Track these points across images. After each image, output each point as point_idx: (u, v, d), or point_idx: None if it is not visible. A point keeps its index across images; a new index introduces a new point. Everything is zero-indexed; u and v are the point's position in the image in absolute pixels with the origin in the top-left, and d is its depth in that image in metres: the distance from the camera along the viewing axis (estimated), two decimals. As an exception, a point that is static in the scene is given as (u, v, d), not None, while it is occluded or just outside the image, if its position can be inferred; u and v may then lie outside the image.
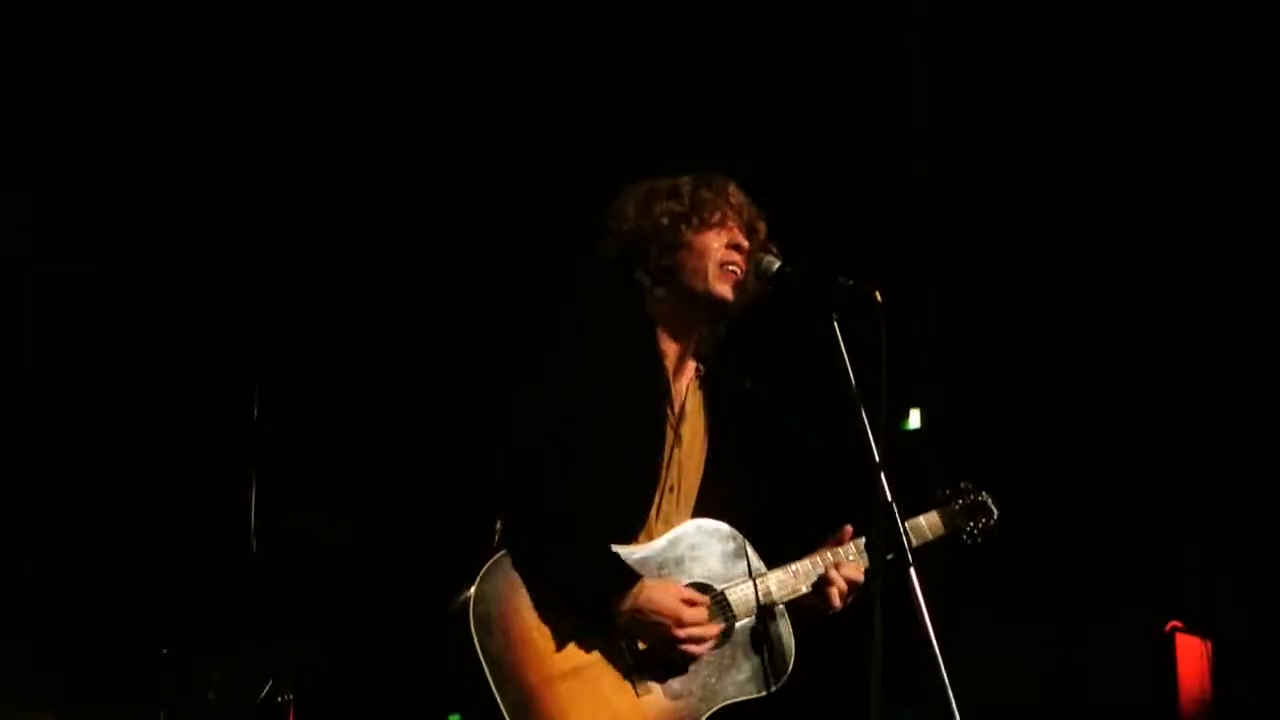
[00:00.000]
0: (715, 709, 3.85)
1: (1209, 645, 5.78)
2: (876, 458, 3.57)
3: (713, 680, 3.85)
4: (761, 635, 3.93)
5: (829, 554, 4.02)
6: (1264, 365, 6.28)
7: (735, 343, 4.21)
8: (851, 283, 3.69)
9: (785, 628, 3.97)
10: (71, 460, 6.23)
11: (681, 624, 3.77)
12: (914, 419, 6.71)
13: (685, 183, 4.04)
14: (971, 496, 4.24)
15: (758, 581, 3.94)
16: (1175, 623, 5.78)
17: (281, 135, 6.52)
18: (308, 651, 5.78)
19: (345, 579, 6.09)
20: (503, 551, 3.75)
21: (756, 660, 3.91)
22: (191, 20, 6.35)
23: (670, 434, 4.03)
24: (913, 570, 3.52)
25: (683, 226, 3.98)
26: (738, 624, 3.91)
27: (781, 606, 3.96)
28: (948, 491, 4.25)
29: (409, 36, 6.63)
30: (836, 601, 3.98)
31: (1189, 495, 6.29)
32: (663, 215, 3.99)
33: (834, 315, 3.68)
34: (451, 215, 6.67)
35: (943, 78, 6.84)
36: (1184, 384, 6.41)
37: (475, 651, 3.62)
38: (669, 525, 3.98)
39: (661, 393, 4.01)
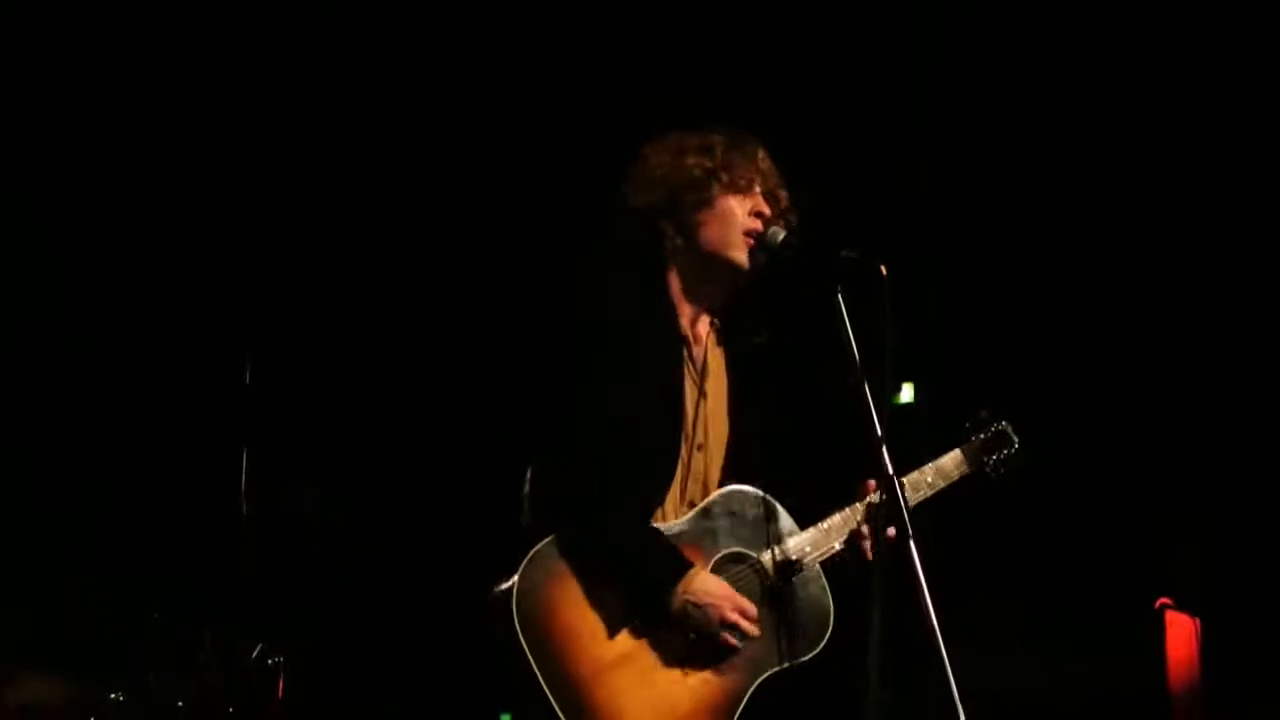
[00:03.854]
0: (762, 678, 3.85)
1: (1198, 622, 5.81)
2: (879, 432, 3.58)
3: (757, 651, 3.85)
4: (799, 598, 3.92)
5: (858, 507, 4.00)
6: (1255, 347, 6.30)
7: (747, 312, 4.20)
8: (856, 255, 3.70)
9: (820, 588, 3.96)
10: (67, 428, 6.23)
11: (737, 609, 3.79)
12: (907, 393, 6.70)
13: (717, 141, 4.02)
14: (992, 428, 4.23)
15: (791, 544, 3.93)
16: (1164, 600, 5.80)
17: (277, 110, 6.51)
18: (298, 615, 5.79)
19: (338, 546, 6.10)
20: (543, 542, 3.72)
21: (798, 625, 3.90)
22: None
23: (694, 389, 4.02)
24: (913, 543, 3.53)
25: (711, 183, 3.97)
26: (775, 590, 3.91)
27: (817, 567, 3.96)
28: (966, 426, 4.25)
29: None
30: (868, 553, 3.96)
31: (1178, 474, 6.30)
32: (693, 167, 3.97)
33: (838, 288, 3.69)
34: (452, 187, 6.65)
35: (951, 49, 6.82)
36: (1177, 364, 6.41)
37: (523, 648, 3.61)
38: (699, 484, 3.98)
39: (679, 345, 4.00)
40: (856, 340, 3.65)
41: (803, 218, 4.05)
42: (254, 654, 5.53)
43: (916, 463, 4.13)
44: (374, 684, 6.20)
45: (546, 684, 3.60)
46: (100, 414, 6.30)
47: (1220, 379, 6.31)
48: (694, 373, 4.04)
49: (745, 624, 3.78)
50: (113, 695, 5.35)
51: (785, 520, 3.98)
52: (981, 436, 4.23)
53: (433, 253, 6.60)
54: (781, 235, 3.94)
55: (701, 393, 4.03)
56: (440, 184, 6.62)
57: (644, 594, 3.75)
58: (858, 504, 4.01)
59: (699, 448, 4.00)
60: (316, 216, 6.59)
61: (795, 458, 4.11)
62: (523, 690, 3.63)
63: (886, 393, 3.58)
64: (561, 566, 3.71)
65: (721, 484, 4.00)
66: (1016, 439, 4.25)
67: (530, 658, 3.61)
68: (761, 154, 4.05)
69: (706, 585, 3.77)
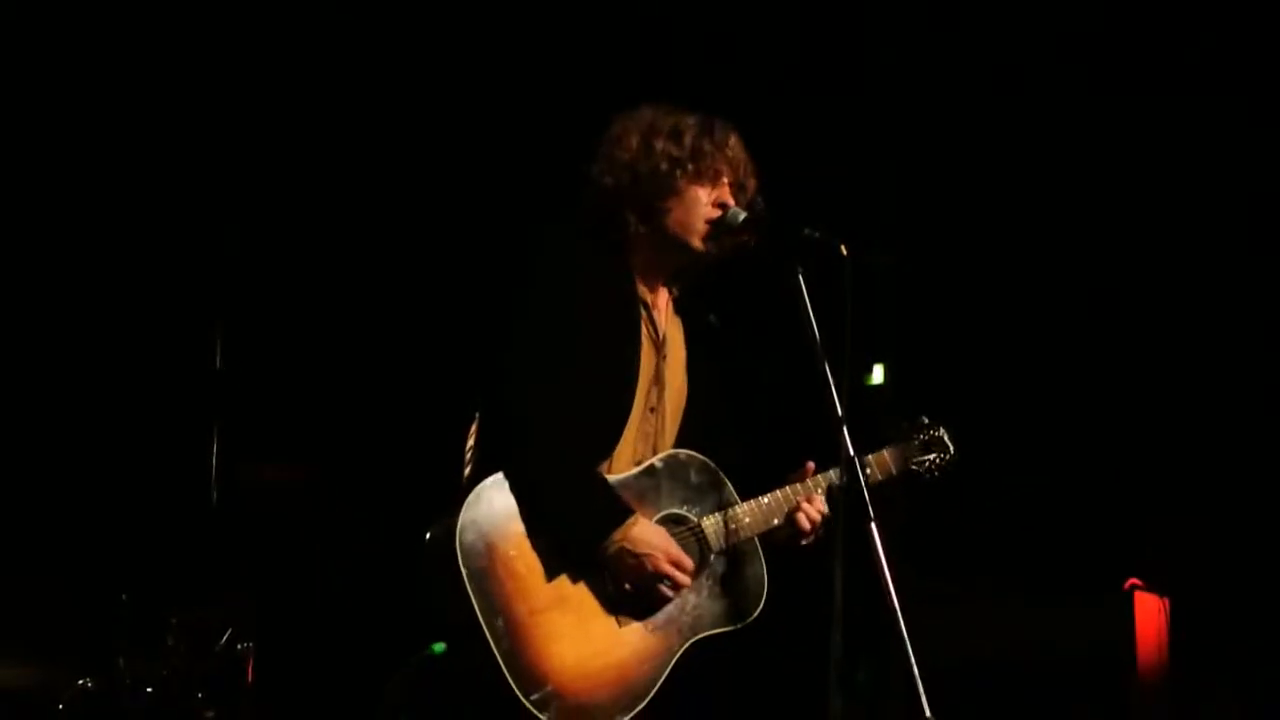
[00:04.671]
0: (693, 640, 3.85)
1: (1166, 602, 5.84)
2: (839, 411, 3.58)
3: (691, 612, 3.85)
4: (736, 567, 3.93)
5: (799, 487, 4.00)
6: (1218, 324, 6.33)
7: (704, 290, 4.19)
8: (818, 235, 3.69)
9: (759, 560, 3.96)
10: (34, 411, 6.21)
11: (671, 560, 3.77)
12: (877, 374, 6.71)
13: (689, 126, 3.99)
14: (930, 432, 4.21)
15: (731, 514, 3.93)
16: (1134, 580, 5.82)
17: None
18: (266, 601, 5.78)
19: (307, 527, 6.09)
20: (488, 480, 3.71)
21: (732, 592, 3.91)
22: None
23: (653, 353, 4.02)
24: (874, 525, 3.52)
25: (677, 172, 3.94)
26: (713, 556, 3.91)
27: (755, 539, 3.95)
28: (904, 426, 4.23)
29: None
30: (807, 531, 3.96)
31: (1147, 457, 6.32)
32: (661, 157, 3.95)
33: (799, 268, 3.68)
34: (414, 162, 6.64)
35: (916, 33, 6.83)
36: (1143, 345, 6.44)
37: (463, 582, 3.59)
38: (649, 446, 3.98)
39: (638, 308, 3.99)
40: (818, 320, 3.64)
41: (767, 201, 4.03)
42: (223, 639, 5.52)
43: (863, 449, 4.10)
44: (343, 668, 6.19)
45: (483, 618, 3.59)
46: (69, 397, 6.28)
47: (1188, 361, 6.34)
48: (654, 337, 4.04)
49: (680, 576, 3.78)
50: (81, 681, 5.33)
51: (728, 489, 3.99)
52: (917, 439, 4.21)
53: (399, 224, 6.59)
54: (742, 216, 3.93)
55: (661, 357, 4.04)
56: (405, 162, 6.62)
57: (580, 538, 3.74)
58: (798, 484, 4.01)
59: (652, 410, 4.00)
60: (285, 196, 6.58)
61: (744, 432, 4.12)
62: (458, 623, 3.61)
63: (846, 373, 3.57)
64: (506, 504, 3.70)
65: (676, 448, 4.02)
66: (952, 446, 4.22)
67: (469, 590, 3.59)
68: (733, 141, 4.02)
69: (644, 534, 3.76)
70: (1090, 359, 6.53)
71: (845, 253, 3.62)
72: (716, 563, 3.91)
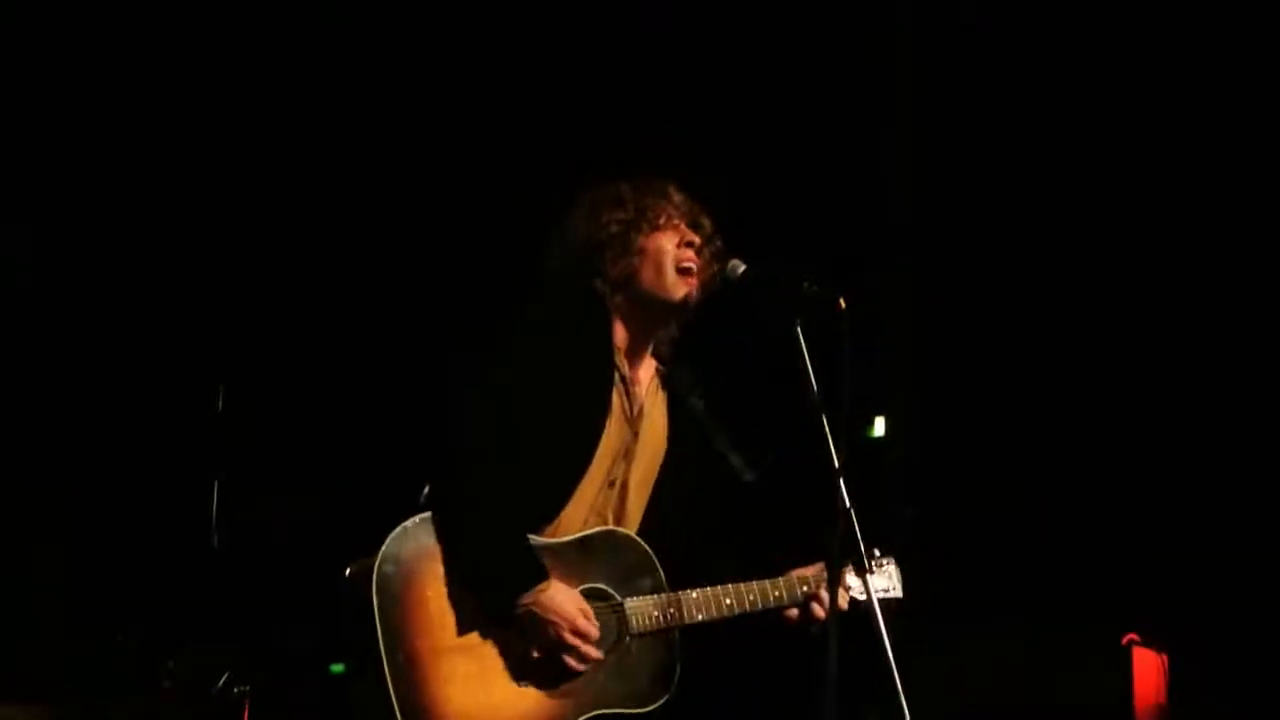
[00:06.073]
0: (590, 715, 3.86)
1: (1164, 658, 5.82)
2: (836, 464, 3.59)
3: (594, 686, 3.86)
4: (650, 653, 3.95)
5: (759, 585, 4.02)
6: (1226, 380, 6.33)
7: (696, 340, 4.23)
8: (816, 289, 3.71)
9: (674, 652, 3.98)
10: (34, 452, 6.21)
11: (575, 632, 3.79)
12: (879, 427, 6.71)
13: (626, 190, 4.08)
14: (878, 564, 4.20)
15: (659, 600, 3.95)
16: (1132, 635, 5.82)
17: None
18: (265, 641, 5.78)
19: (305, 569, 6.08)
20: (417, 517, 3.78)
21: (639, 677, 3.92)
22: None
23: (625, 427, 4.05)
24: (869, 577, 3.56)
25: (632, 233, 4.02)
26: (629, 638, 3.93)
27: (675, 631, 3.96)
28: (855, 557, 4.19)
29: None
30: (822, 615, 4.01)
31: (1146, 510, 6.32)
32: (611, 224, 4.03)
33: (797, 321, 3.71)
34: (410, 214, 6.65)
35: (925, 77, 6.85)
36: (1146, 399, 6.44)
37: (371, 610, 3.66)
38: (602, 519, 4.03)
39: (609, 383, 4.02)
40: (815, 373, 3.66)
41: (761, 248, 4.06)
42: (220, 682, 5.51)
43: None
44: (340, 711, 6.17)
45: (385, 650, 3.65)
46: (71, 439, 6.28)
47: (1188, 414, 6.34)
48: (627, 412, 4.07)
49: (584, 648, 3.80)
50: (78, 723, 5.33)
51: (658, 575, 4.00)
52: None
53: (399, 280, 6.60)
54: (742, 268, 3.96)
55: (633, 432, 4.08)
56: (402, 216, 6.63)
57: (491, 593, 3.78)
58: (764, 582, 4.03)
59: (612, 484, 4.04)
60: (285, 243, 6.59)
61: (710, 521, 4.13)
62: (361, 651, 3.68)
63: (844, 425, 3.58)
64: (429, 545, 3.76)
65: (643, 526, 4.07)
66: (901, 587, 4.22)
67: (376, 621, 3.66)
68: (672, 189, 4.11)
69: (555, 602, 3.79)
70: (1089, 412, 6.53)
71: (843, 306, 3.64)
72: (632, 644, 3.93)
